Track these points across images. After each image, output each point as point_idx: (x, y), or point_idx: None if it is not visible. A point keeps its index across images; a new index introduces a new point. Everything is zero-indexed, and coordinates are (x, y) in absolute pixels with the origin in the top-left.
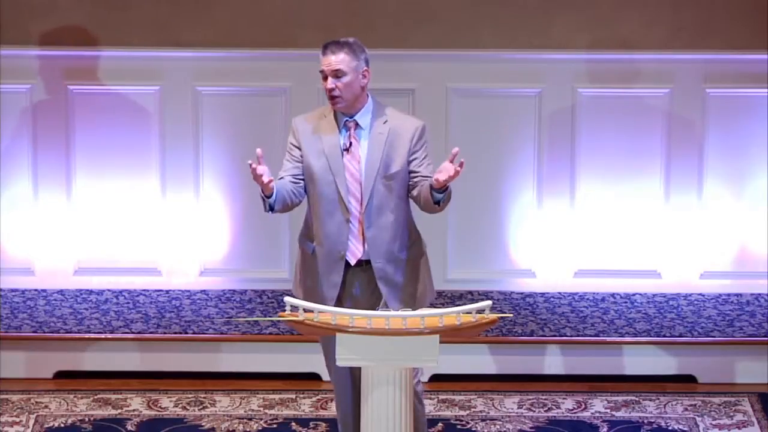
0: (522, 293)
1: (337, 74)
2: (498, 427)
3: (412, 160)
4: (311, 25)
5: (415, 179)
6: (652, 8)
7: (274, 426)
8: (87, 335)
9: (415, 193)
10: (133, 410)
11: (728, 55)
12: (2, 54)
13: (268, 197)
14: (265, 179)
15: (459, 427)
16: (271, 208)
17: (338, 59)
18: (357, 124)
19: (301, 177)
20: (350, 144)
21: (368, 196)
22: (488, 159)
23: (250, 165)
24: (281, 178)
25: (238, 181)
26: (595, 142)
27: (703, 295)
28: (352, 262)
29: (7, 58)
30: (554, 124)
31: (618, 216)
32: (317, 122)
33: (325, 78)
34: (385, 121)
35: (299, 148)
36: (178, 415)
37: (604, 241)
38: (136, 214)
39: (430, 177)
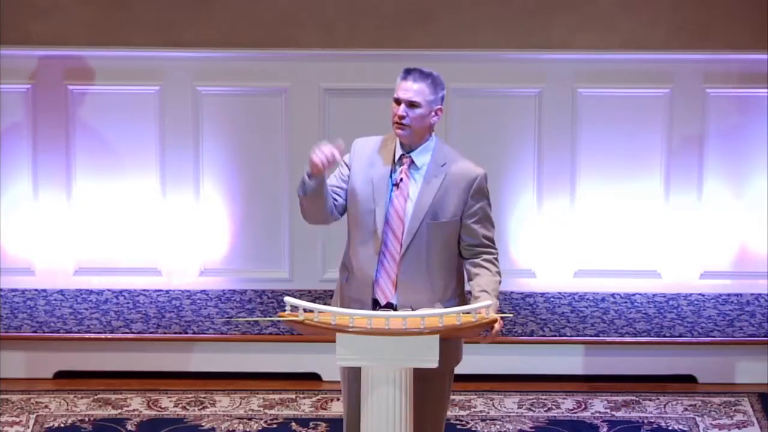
0: (522, 293)
1: (413, 104)
2: (498, 427)
3: (468, 215)
4: (311, 25)
5: (464, 238)
6: (652, 8)
7: (274, 426)
8: (87, 335)
9: (468, 266)
10: (133, 410)
11: (728, 55)
12: (2, 54)
13: (311, 177)
14: (327, 163)
15: (459, 427)
16: (305, 192)
17: (418, 89)
18: (412, 162)
19: (344, 197)
20: (401, 180)
21: (409, 239)
22: (488, 159)
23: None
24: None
25: (238, 181)
26: (595, 142)
27: (703, 295)
28: (382, 302)
29: (7, 58)
30: (554, 124)
31: (618, 216)
32: (376, 149)
33: (398, 103)
34: (444, 164)
35: (349, 168)
36: (178, 415)
37: (604, 241)
38: (136, 214)
39: (477, 247)
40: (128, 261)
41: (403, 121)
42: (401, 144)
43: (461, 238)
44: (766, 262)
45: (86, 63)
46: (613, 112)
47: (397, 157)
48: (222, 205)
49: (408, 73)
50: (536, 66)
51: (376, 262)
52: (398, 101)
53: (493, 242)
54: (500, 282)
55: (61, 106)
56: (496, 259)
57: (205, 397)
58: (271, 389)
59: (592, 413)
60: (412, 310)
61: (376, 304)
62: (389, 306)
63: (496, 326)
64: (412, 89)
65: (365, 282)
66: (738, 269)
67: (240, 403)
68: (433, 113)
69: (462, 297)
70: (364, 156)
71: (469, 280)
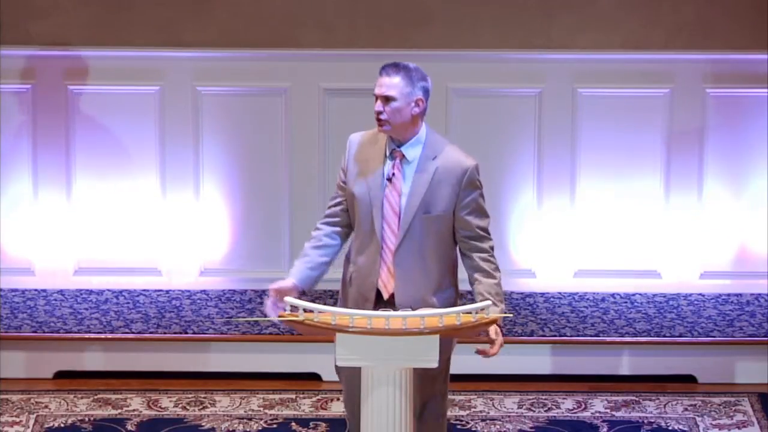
0: (522, 293)
1: (388, 98)
2: (498, 427)
3: (461, 207)
4: (311, 25)
5: (459, 230)
6: (652, 8)
7: (274, 426)
8: (87, 335)
9: (467, 266)
10: (133, 410)
11: (728, 55)
12: (2, 54)
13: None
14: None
15: (459, 427)
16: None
17: (391, 83)
18: (403, 156)
19: (346, 205)
20: (393, 174)
21: (404, 232)
22: (488, 159)
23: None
24: (330, 207)
25: (238, 181)
26: (595, 142)
27: (703, 295)
28: (385, 295)
29: (7, 58)
30: (554, 124)
31: (618, 216)
32: (369, 146)
33: (377, 99)
34: (434, 158)
35: (345, 172)
36: (178, 415)
37: (604, 241)
38: (136, 214)
39: (472, 239)
40: (128, 261)
41: (381, 117)
42: (392, 138)
43: (456, 229)
44: (766, 262)
45: (86, 63)
46: (613, 112)
47: (388, 151)
48: (222, 205)
49: (383, 68)
50: (536, 66)
51: (378, 259)
52: (376, 98)
53: (488, 232)
54: (500, 278)
55: (61, 106)
56: (492, 255)
57: (205, 397)
58: (271, 389)
59: (592, 413)
60: (412, 308)
61: (378, 297)
62: (391, 300)
63: (492, 332)
64: (385, 84)
65: (368, 279)
66: (738, 269)
67: (240, 403)
68: (412, 104)
69: (457, 287)
70: (359, 152)
71: (470, 283)
